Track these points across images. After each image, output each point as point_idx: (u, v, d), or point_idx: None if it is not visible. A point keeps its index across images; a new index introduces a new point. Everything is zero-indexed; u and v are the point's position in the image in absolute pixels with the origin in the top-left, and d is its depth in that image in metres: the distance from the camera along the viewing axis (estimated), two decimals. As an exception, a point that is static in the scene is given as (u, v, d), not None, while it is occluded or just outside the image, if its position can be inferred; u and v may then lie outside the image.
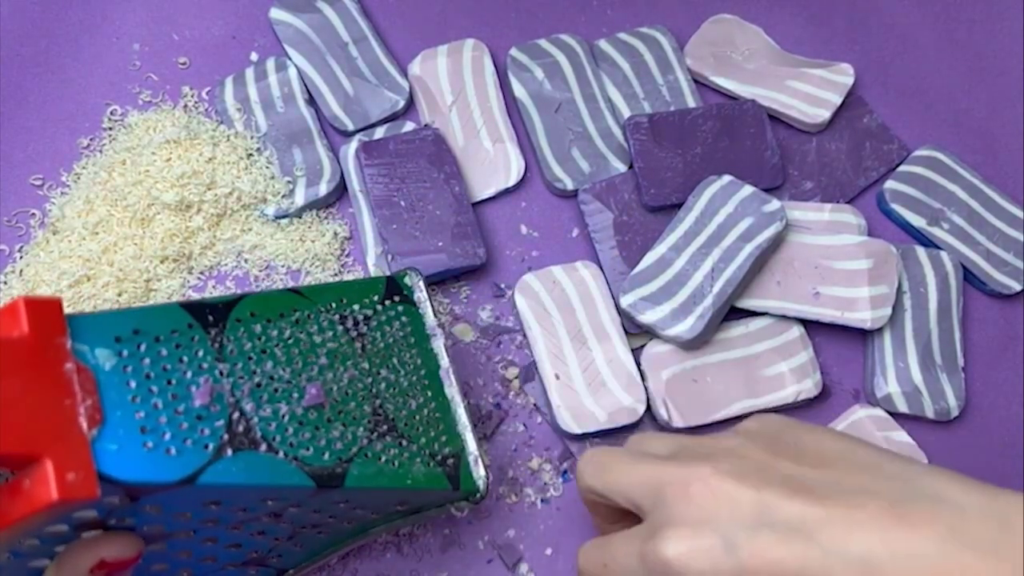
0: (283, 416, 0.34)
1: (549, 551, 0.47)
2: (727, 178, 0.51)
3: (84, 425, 0.28)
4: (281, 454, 0.33)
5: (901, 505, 0.31)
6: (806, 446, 0.35)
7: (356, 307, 0.39)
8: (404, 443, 0.38)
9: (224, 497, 0.33)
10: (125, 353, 0.31)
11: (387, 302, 0.41)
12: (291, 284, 0.51)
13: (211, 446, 0.31)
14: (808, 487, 0.32)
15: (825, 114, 0.55)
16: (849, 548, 0.31)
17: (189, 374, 0.32)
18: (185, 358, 0.32)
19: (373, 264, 0.51)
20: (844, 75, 0.56)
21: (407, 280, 0.42)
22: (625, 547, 0.34)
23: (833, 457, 0.34)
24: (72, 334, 0.30)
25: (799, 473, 0.33)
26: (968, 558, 0.30)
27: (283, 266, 0.51)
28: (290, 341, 0.36)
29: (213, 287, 0.50)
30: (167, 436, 0.30)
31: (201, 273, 0.51)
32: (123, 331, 0.31)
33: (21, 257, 0.50)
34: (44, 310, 0.29)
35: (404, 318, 0.41)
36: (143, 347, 0.32)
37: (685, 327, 0.48)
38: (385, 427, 0.37)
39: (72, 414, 0.28)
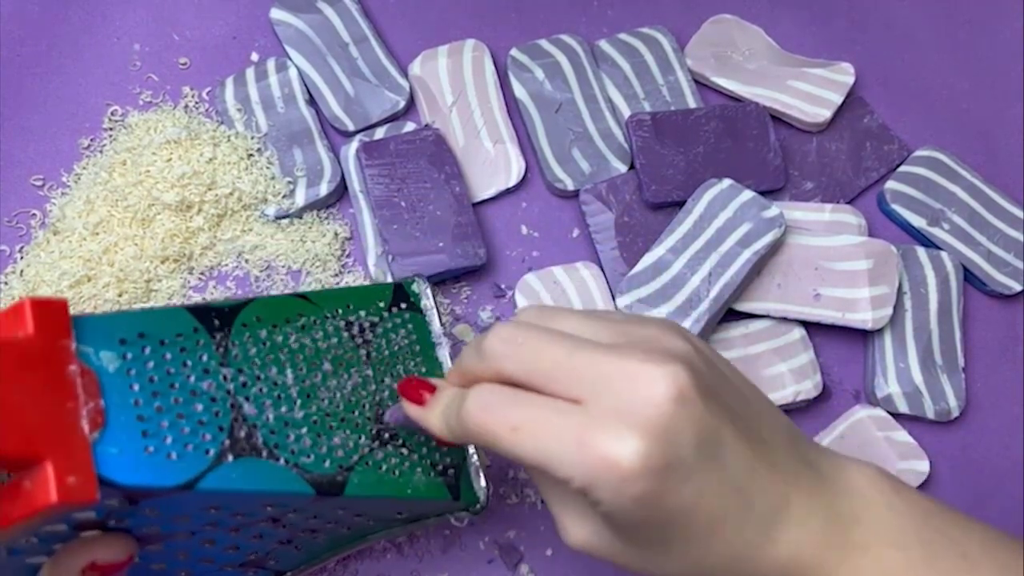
0: (285, 423, 0.34)
1: (549, 551, 0.47)
2: (727, 182, 0.51)
3: (86, 428, 0.28)
4: (282, 461, 0.33)
5: (804, 475, 0.32)
6: (727, 375, 0.33)
7: (362, 313, 0.39)
8: (405, 452, 0.38)
9: (223, 502, 0.33)
10: (129, 356, 0.31)
11: (394, 309, 0.41)
12: (292, 284, 0.51)
13: (212, 451, 0.31)
14: (750, 434, 0.31)
15: (826, 113, 0.55)
16: (760, 507, 0.30)
17: (193, 378, 0.32)
18: (189, 362, 0.32)
19: (373, 264, 0.51)
20: (845, 74, 0.56)
21: (414, 287, 0.42)
22: (554, 419, 0.29)
23: (753, 399, 0.33)
24: (77, 336, 0.30)
25: (741, 411, 0.31)
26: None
27: (284, 266, 0.51)
28: (295, 347, 0.36)
29: (213, 287, 0.50)
30: (168, 440, 0.30)
31: (201, 273, 0.51)
32: (128, 334, 0.31)
33: (22, 257, 0.50)
34: (50, 311, 0.29)
35: (410, 325, 0.41)
36: (147, 350, 0.31)
37: (685, 328, 0.48)
38: (387, 435, 0.37)
39: (74, 416, 0.28)
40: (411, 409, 0.35)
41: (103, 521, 0.32)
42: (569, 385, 0.29)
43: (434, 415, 0.34)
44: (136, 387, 0.30)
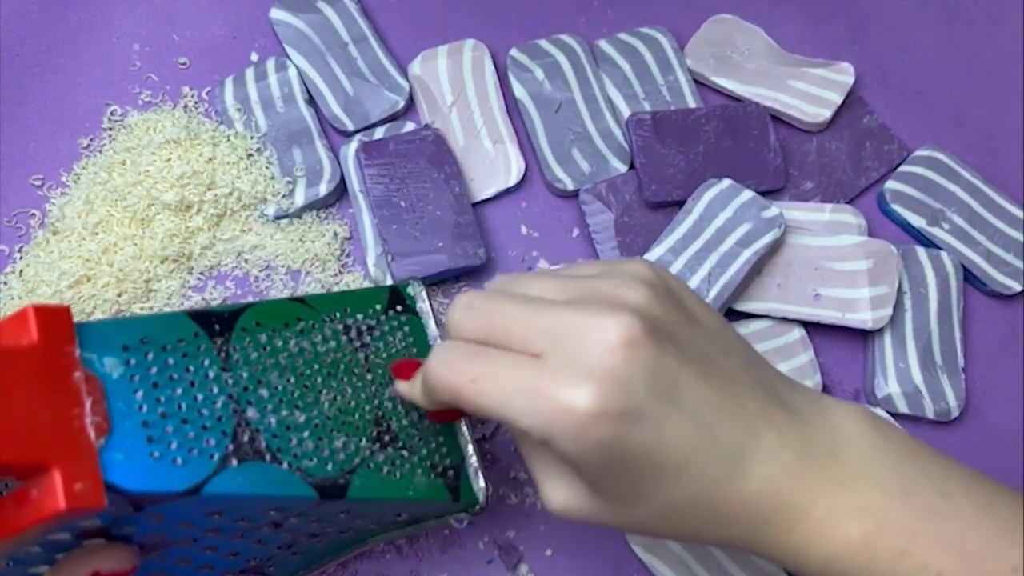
0: (287, 426, 0.34)
1: (549, 551, 0.47)
2: (727, 182, 0.51)
3: (92, 434, 0.28)
4: (285, 464, 0.33)
5: (775, 412, 0.32)
6: (696, 315, 0.33)
7: (359, 316, 0.39)
8: (406, 454, 0.38)
9: (228, 507, 0.33)
10: (132, 362, 0.31)
11: (390, 312, 0.41)
12: (291, 284, 0.51)
13: (216, 456, 0.31)
14: (711, 372, 0.31)
15: (826, 113, 0.55)
16: (726, 444, 0.30)
17: (195, 383, 0.32)
18: (191, 367, 0.32)
19: (373, 264, 0.51)
20: (844, 74, 0.56)
21: (410, 290, 0.42)
22: (513, 370, 0.30)
23: (720, 339, 0.33)
24: (80, 342, 0.29)
25: (704, 351, 0.32)
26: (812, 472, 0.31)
27: (283, 266, 0.51)
28: (295, 351, 0.36)
29: (213, 287, 0.50)
30: (173, 446, 0.30)
31: (201, 273, 0.51)
32: (131, 340, 0.31)
33: (21, 257, 0.50)
34: (53, 318, 0.29)
35: (406, 328, 0.41)
36: (150, 356, 0.31)
37: (685, 327, 0.48)
38: (387, 438, 0.37)
39: (80, 423, 0.28)
40: (400, 385, 0.37)
41: (107, 529, 0.32)
42: (526, 341, 0.30)
43: (416, 387, 0.35)
44: (140, 393, 0.30)
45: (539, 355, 0.30)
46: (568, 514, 0.33)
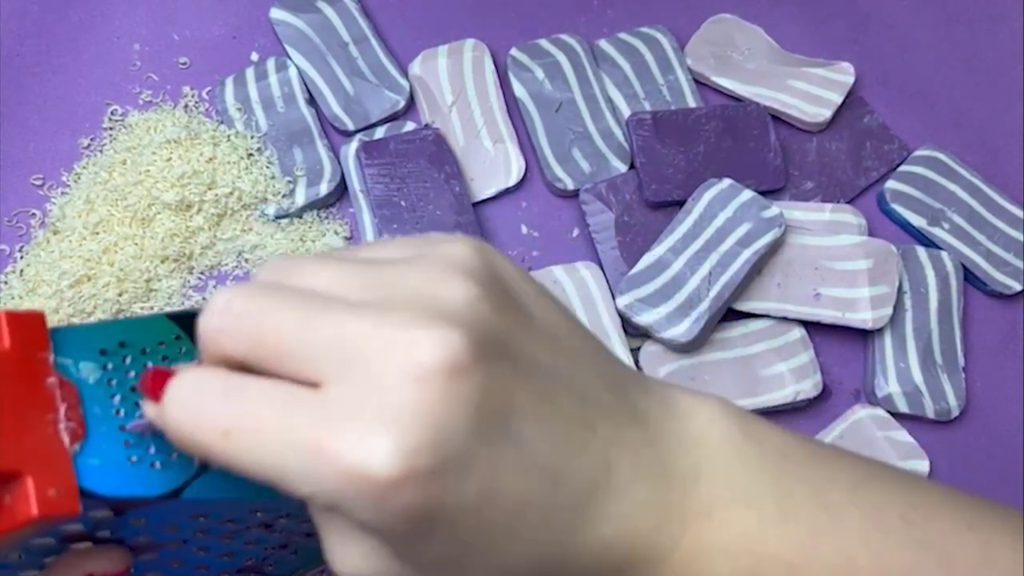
0: None
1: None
2: (727, 181, 0.51)
3: (66, 440, 0.28)
4: None
5: (628, 431, 0.26)
6: (537, 314, 0.25)
7: None
8: None
9: (211, 510, 0.32)
10: (110, 366, 0.30)
11: None
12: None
13: (196, 459, 0.31)
14: (555, 391, 0.24)
15: (826, 113, 0.55)
16: (573, 484, 0.24)
17: None
18: None
19: (373, 264, 0.51)
20: (844, 74, 0.56)
21: None
22: (278, 415, 0.22)
23: (564, 338, 0.26)
24: (55, 348, 0.29)
25: (545, 363, 0.24)
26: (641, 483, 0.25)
27: (283, 266, 0.51)
28: None
29: (214, 287, 0.50)
30: (152, 450, 0.30)
31: (201, 273, 0.51)
32: (108, 344, 0.31)
33: (22, 257, 0.50)
34: (26, 324, 0.28)
35: None
36: (128, 360, 0.31)
37: (681, 330, 0.48)
38: None
39: (54, 429, 0.28)
40: (147, 410, 0.26)
41: (91, 533, 0.32)
42: (304, 363, 0.22)
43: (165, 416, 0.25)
44: (117, 398, 0.30)
45: (319, 383, 0.22)
46: None
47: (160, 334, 0.32)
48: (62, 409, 0.28)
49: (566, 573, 0.25)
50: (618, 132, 0.54)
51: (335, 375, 0.22)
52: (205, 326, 0.24)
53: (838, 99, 0.55)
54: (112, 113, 0.54)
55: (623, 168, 0.54)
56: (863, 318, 0.49)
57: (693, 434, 0.27)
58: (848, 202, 0.55)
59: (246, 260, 0.51)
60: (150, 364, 0.31)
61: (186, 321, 0.33)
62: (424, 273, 0.24)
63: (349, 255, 0.26)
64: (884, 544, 0.27)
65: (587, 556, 0.25)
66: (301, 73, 0.54)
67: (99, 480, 0.28)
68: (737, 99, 0.56)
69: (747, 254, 0.49)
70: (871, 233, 0.53)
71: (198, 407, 0.23)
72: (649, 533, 0.25)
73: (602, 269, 0.51)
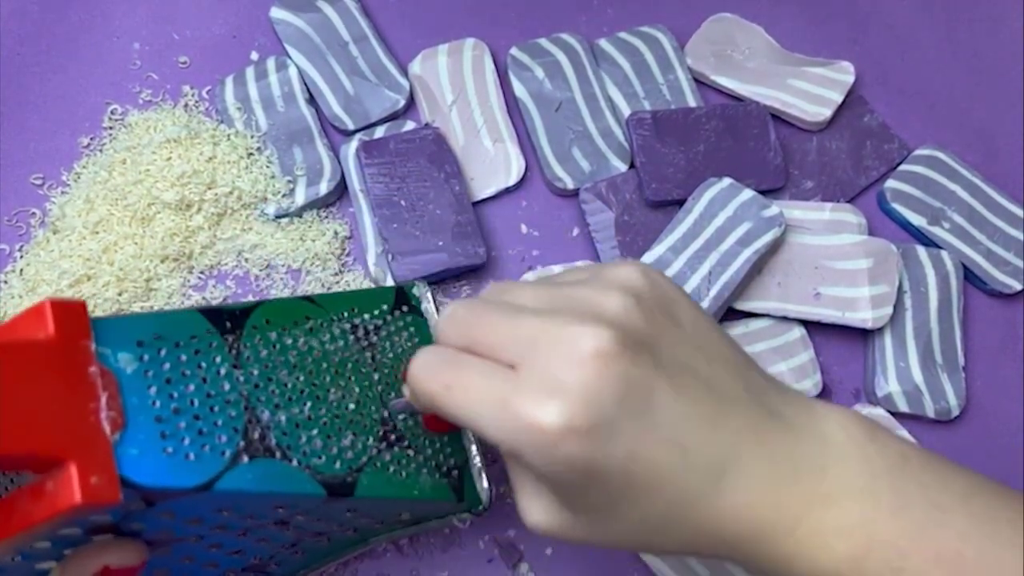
0: (296, 424, 0.34)
1: (549, 551, 0.47)
2: (727, 181, 0.51)
3: (107, 428, 0.28)
4: (295, 462, 0.33)
5: (762, 424, 0.31)
6: (687, 326, 0.32)
7: (367, 316, 0.39)
8: (411, 454, 0.38)
9: (237, 503, 0.33)
10: (146, 358, 0.31)
11: (396, 312, 0.41)
12: (291, 283, 0.51)
13: (228, 452, 0.31)
14: (691, 384, 0.30)
15: (826, 112, 0.55)
16: (703, 459, 0.30)
17: (208, 380, 0.32)
18: (204, 364, 0.32)
19: (373, 264, 0.51)
20: (845, 73, 0.56)
21: (415, 291, 0.42)
22: (484, 380, 0.30)
23: (709, 346, 0.32)
24: (95, 337, 0.29)
25: (685, 361, 0.31)
26: (792, 484, 0.30)
27: (283, 265, 0.51)
28: (304, 349, 0.36)
29: (214, 286, 0.50)
30: (186, 441, 0.30)
31: (201, 272, 0.51)
32: (144, 336, 0.31)
33: (21, 256, 0.50)
34: (70, 312, 0.29)
35: (412, 328, 0.41)
36: (163, 352, 0.31)
37: (685, 326, 0.48)
38: (394, 437, 0.37)
39: (96, 417, 0.28)
40: (405, 387, 0.36)
41: (116, 524, 0.32)
42: (504, 350, 0.30)
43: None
44: (154, 389, 0.30)
45: (514, 366, 0.30)
46: (541, 529, 0.32)
47: (192, 328, 0.33)
48: (103, 398, 0.29)
49: (696, 532, 0.30)
50: (618, 131, 0.54)
51: (523, 360, 0.29)
52: (439, 324, 0.32)
53: (838, 98, 0.55)
54: (112, 112, 0.54)
55: (623, 167, 0.54)
56: (863, 317, 0.49)
57: (824, 434, 0.31)
58: (848, 201, 0.55)
59: (246, 259, 0.51)
60: (183, 356, 0.32)
61: (217, 317, 0.34)
62: (593, 289, 0.31)
63: (545, 279, 0.34)
64: (991, 543, 0.30)
65: (715, 521, 0.30)
66: (301, 72, 0.54)
67: (137, 469, 0.29)
68: (737, 98, 0.56)
69: (747, 253, 0.49)
70: (871, 232, 0.53)
71: (432, 367, 0.31)
72: (774, 510, 0.30)
73: (602, 268, 0.51)
